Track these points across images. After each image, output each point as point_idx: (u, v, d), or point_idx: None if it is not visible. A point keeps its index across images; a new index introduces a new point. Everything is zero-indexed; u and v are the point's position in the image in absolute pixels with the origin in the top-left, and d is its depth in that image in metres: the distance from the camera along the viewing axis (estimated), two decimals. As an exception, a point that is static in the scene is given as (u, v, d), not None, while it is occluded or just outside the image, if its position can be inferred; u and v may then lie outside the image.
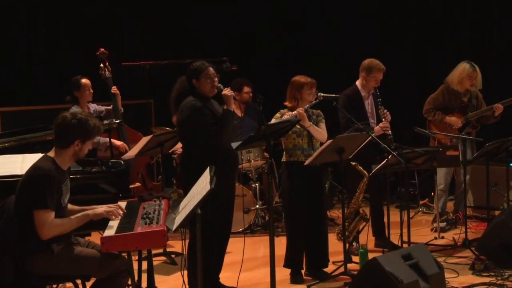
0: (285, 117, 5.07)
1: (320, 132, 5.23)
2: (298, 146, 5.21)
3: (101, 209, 3.86)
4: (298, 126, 5.15)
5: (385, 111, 5.92)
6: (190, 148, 4.78)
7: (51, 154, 3.84)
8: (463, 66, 6.68)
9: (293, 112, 5.11)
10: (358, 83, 6.07)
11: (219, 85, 4.75)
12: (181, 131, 4.85)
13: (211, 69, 4.75)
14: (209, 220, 4.39)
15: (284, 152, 5.29)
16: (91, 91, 6.20)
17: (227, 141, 4.75)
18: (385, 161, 5.13)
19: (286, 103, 5.28)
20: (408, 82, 8.44)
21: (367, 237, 5.62)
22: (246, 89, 7.31)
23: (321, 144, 5.16)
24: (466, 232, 5.96)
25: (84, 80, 6.17)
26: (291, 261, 5.29)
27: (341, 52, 8.77)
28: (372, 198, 6.19)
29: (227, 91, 4.70)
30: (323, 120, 5.32)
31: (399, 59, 8.10)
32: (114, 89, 6.39)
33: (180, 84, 4.86)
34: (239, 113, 7.38)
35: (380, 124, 5.83)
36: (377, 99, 5.94)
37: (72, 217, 3.81)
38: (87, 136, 3.82)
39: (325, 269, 5.30)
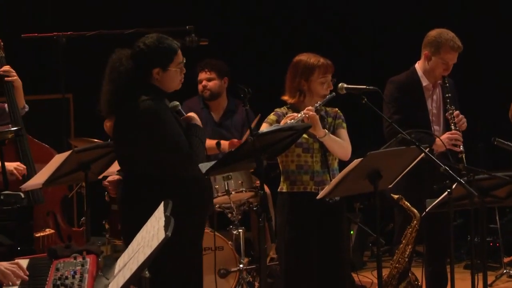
0: (287, 121, 5.06)
1: (340, 144, 5.25)
2: (305, 167, 5.25)
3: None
4: (306, 136, 5.17)
5: (456, 112, 5.98)
6: (135, 174, 4.79)
7: None
8: None
9: (300, 114, 5.09)
10: (418, 66, 6.15)
11: (176, 104, 4.80)
12: (129, 147, 4.83)
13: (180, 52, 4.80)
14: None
15: (282, 178, 5.32)
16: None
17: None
18: (446, 192, 5.12)
19: (286, 98, 5.32)
20: (481, 71, 8.57)
21: (418, 316, 5.68)
22: (202, 75, 7.28)
23: (342, 164, 5.18)
24: None
25: (-36, 64, 6.25)
26: None
27: (374, 20, 8.83)
28: (428, 252, 6.24)
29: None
30: (344, 125, 5.36)
31: (468, 36, 8.20)
32: (8, 72, 6.35)
33: (124, 70, 4.78)
34: (215, 116, 7.40)
35: (447, 134, 5.88)
36: (446, 94, 5.98)
37: None
38: None
39: None
